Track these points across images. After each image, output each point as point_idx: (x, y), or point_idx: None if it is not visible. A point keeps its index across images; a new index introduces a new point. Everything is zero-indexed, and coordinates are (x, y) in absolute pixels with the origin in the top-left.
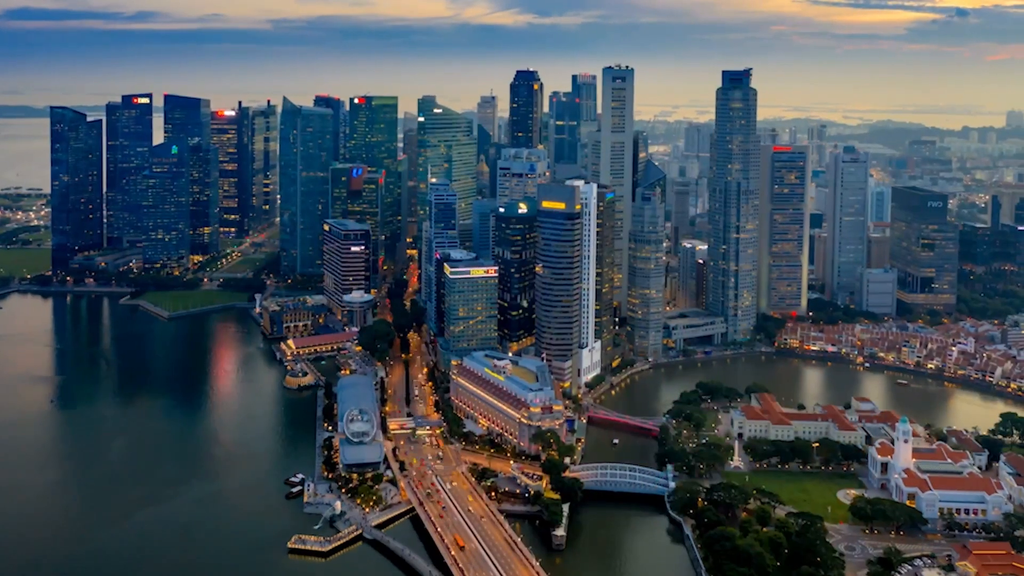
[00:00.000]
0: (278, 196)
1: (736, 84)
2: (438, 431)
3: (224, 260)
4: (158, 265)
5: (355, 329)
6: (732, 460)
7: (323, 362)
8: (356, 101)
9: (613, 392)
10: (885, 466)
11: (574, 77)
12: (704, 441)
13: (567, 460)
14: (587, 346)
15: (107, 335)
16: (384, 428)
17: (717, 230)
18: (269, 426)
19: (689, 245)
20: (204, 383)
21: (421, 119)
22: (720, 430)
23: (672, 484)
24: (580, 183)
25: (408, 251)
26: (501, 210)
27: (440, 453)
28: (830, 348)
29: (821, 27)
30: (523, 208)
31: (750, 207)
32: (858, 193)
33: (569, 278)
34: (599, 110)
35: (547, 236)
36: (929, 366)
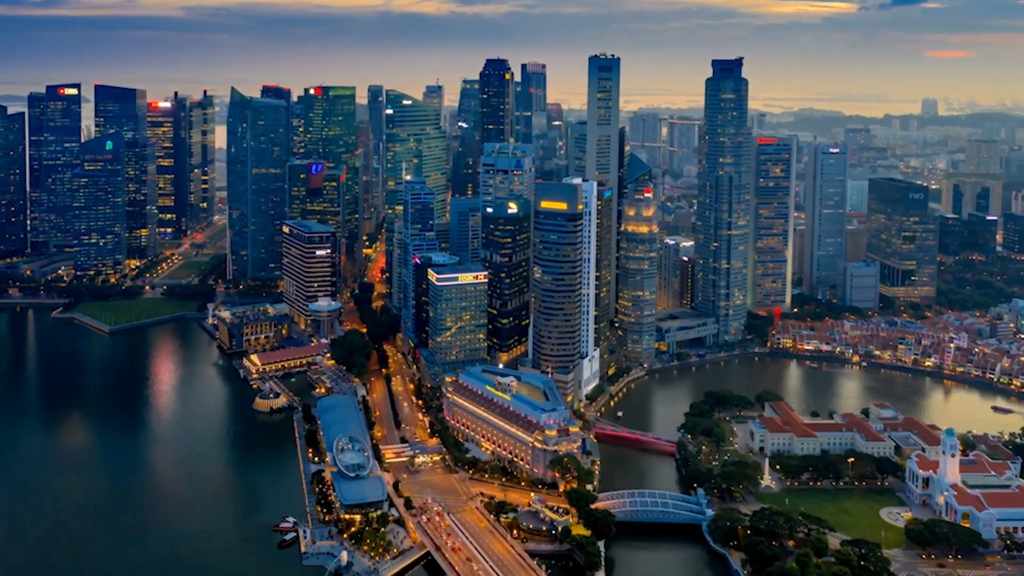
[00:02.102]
0: (218, 193)
1: (727, 74)
2: (438, 458)
3: (164, 264)
4: (91, 272)
5: (324, 341)
6: (762, 479)
7: (293, 379)
8: (312, 92)
9: (612, 403)
10: (927, 481)
11: (524, 66)
12: (727, 458)
13: (589, 488)
14: (587, 355)
15: (40, 353)
16: (378, 457)
17: (707, 227)
18: (243, 458)
19: (672, 241)
20: (160, 409)
21: (390, 111)
22: (738, 444)
23: (709, 511)
24: (577, 180)
25: (364, 250)
26: (489, 210)
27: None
28: (824, 347)
29: (743, 17)
30: (513, 208)
31: (742, 203)
32: (837, 185)
33: (572, 284)
34: (549, 100)
35: (547, 239)
36: (926, 364)
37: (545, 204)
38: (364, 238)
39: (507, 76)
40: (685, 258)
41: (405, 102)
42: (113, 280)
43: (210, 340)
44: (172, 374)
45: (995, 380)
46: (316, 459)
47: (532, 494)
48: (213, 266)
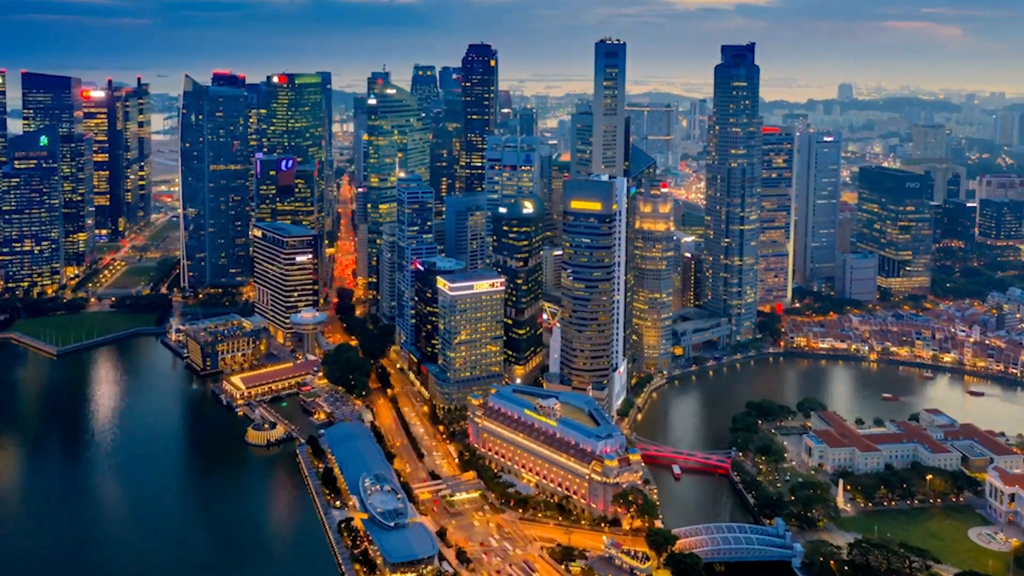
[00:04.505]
0: (154, 189)
1: (739, 61)
2: (476, 495)
3: (106, 272)
4: (25, 284)
5: (312, 357)
6: (836, 503)
7: (284, 404)
8: (275, 80)
9: (639, 417)
10: (1012, 497)
11: None
12: (787, 478)
13: (658, 524)
14: (617, 367)
15: None
16: (411, 498)
17: (717, 221)
18: (245, 505)
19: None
20: (134, 447)
21: (373, 101)
22: (795, 461)
23: (797, 546)
24: (605, 176)
25: (327, 250)
26: (502, 210)
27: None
28: (839, 345)
29: (656, 5)
30: (529, 207)
31: (754, 196)
32: (831, 174)
33: (606, 291)
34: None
35: (579, 242)
36: (945, 360)
37: (576, 204)
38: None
39: (492, 63)
40: (687, 254)
41: (389, 91)
42: (51, 292)
43: (176, 360)
44: (140, 403)
45: (1020, 375)
46: (337, 503)
47: (604, 537)
48: (163, 272)
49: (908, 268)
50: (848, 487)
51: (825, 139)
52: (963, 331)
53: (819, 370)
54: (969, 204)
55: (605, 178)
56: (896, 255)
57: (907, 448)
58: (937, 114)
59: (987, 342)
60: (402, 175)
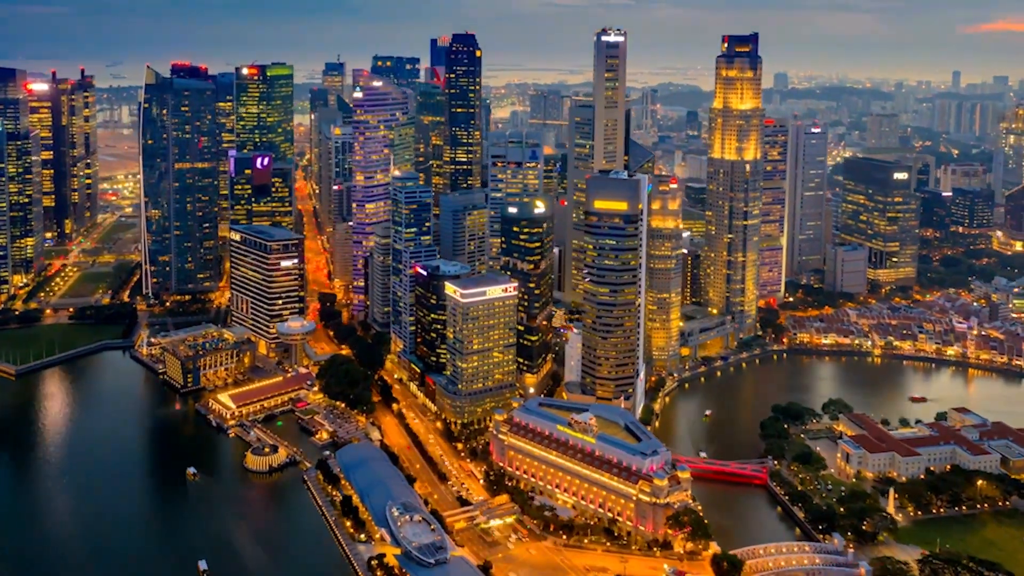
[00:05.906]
0: (109, 188)
1: (742, 52)
2: (511, 520)
3: (58, 279)
4: None
5: (304, 370)
6: (889, 512)
7: (279, 423)
8: (245, 71)
9: (657, 424)
10: None
11: (433, 41)
12: (830, 487)
13: (712, 545)
14: (639, 374)
15: None
16: (444, 527)
17: (720, 216)
18: (257, 542)
19: None
20: (124, 482)
21: (359, 95)
22: (830, 466)
23: (864, 563)
24: (624, 174)
25: None
26: (512, 210)
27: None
28: (842, 340)
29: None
30: (540, 207)
31: (757, 190)
32: (818, 166)
33: (631, 295)
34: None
35: (603, 245)
36: (948, 353)
37: (600, 204)
38: None
39: (477, 53)
40: (683, 250)
41: (375, 83)
42: None
43: (150, 376)
44: (119, 428)
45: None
46: (361, 536)
47: (664, 565)
48: (121, 279)
49: (895, 259)
50: (896, 495)
51: (812, 130)
52: (961, 323)
53: (826, 367)
54: (945, 193)
55: (625, 175)
56: (884, 246)
57: (945, 451)
58: (873, 103)
59: (984, 333)
60: (397, 173)
